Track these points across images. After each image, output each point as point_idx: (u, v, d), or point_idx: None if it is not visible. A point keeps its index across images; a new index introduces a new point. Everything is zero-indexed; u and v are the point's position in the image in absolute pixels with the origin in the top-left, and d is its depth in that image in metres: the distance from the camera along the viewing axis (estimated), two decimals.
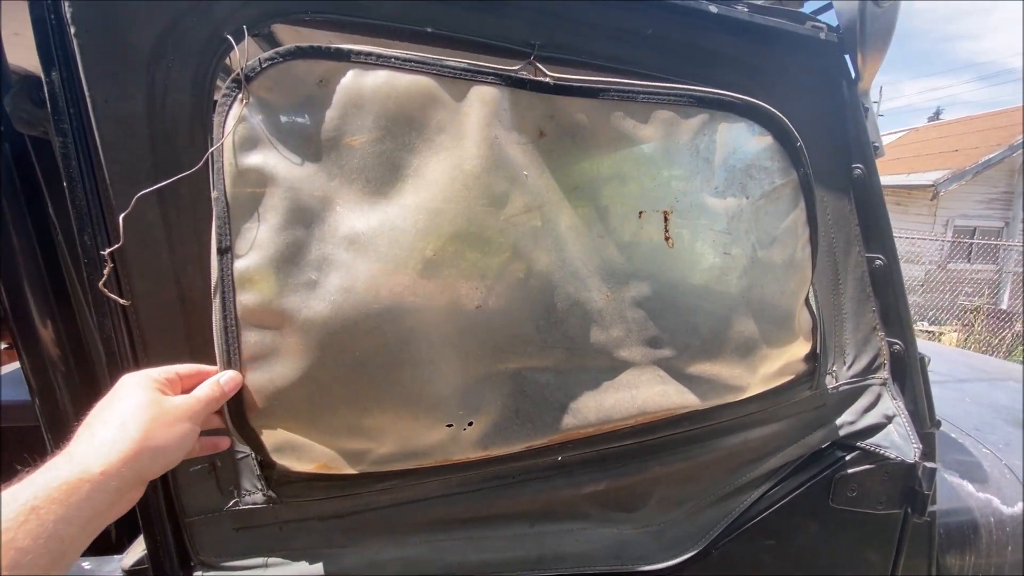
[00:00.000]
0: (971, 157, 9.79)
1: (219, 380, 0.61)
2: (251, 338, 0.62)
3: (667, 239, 0.77)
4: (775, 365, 0.85)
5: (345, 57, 0.64)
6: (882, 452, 0.94)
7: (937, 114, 41.62)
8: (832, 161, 0.89)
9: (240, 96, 0.61)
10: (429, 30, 0.70)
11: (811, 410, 0.93)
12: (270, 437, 0.66)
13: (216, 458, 0.71)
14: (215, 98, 0.64)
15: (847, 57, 0.85)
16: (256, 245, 0.61)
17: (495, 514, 0.83)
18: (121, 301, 0.62)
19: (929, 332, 8.29)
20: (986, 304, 8.37)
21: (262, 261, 0.61)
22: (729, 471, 0.92)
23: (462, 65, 0.69)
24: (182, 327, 0.67)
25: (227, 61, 0.66)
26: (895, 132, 15.06)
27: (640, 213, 0.77)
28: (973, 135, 11.09)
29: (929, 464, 0.96)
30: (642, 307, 0.80)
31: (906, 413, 0.95)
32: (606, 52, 0.77)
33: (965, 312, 8.28)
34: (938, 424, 1.00)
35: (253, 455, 0.71)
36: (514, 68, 0.72)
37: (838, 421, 0.95)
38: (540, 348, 0.76)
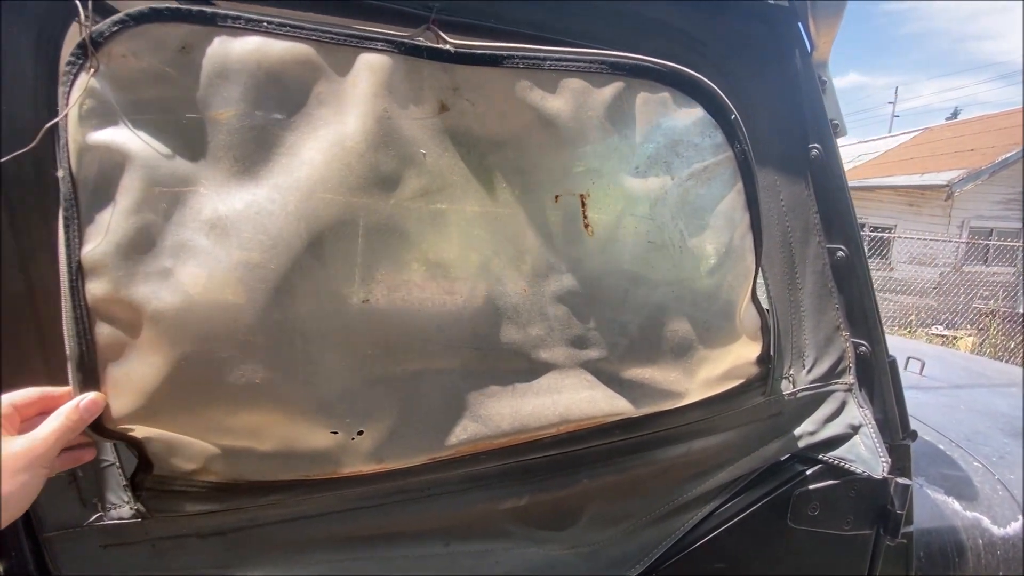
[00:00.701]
0: (987, 156, 9.52)
1: (78, 404, 0.53)
2: (104, 331, 0.55)
3: (586, 226, 0.69)
4: (718, 368, 0.76)
5: (210, 20, 0.57)
6: (847, 466, 0.84)
7: (955, 114, 40.78)
8: (786, 141, 0.79)
9: (88, 64, 0.54)
10: None
11: (765, 418, 0.84)
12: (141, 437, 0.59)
13: (77, 467, 0.64)
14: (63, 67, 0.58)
15: (800, 25, 0.76)
16: (106, 229, 0.54)
17: (402, 532, 0.75)
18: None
19: (943, 336, 8.05)
20: (1002, 307, 8.10)
21: (112, 247, 0.54)
22: (672, 486, 0.82)
23: (347, 30, 0.61)
24: (32, 321, 0.60)
25: (76, 25, 0.59)
26: (909, 132, 14.74)
27: (556, 197, 0.68)
28: (990, 134, 10.80)
29: (902, 480, 0.86)
30: (564, 303, 0.72)
31: (874, 423, 0.85)
32: (521, 16, 0.69)
33: (981, 316, 8.02)
34: (913, 435, 0.90)
35: (117, 464, 0.64)
36: (409, 34, 0.64)
37: (796, 431, 0.85)
38: (443, 348, 0.68)
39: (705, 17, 0.73)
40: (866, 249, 0.84)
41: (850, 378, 0.87)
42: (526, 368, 0.72)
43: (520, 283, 0.70)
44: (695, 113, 0.66)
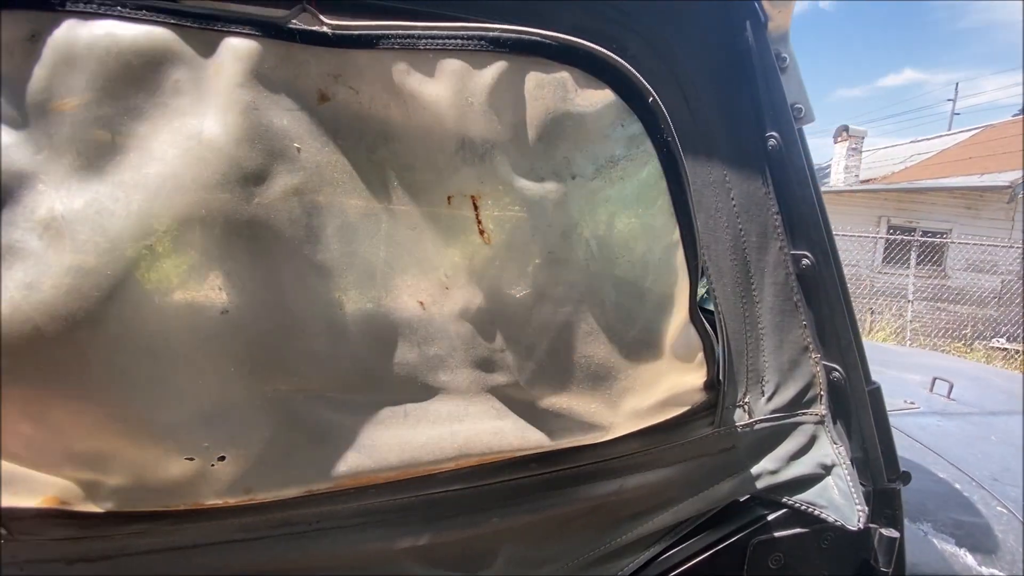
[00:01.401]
0: None
1: None
2: None
3: (481, 232, 0.60)
4: (649, 399, 0.65)
5: (59, 5, 0.51)
6: (816, 513, 0.71)
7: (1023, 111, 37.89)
8: (737, 129, 0.68)
9: None
10: None
11: (715, 453, 0.72)
12: None
13: None
14: None
15: None
16: None
17: (288, 570, 0.68)
18: None
19: (1004, 350, 7.40)
20: None
21: None
22: (603, 528, 0.72)
23: (208, 11, 0.55)
24: None
25: None
26: (968, 130, 13.75)
27: (448, 198, 0.60)
28: None
29: (887, 532, 0.72)
30: (468, 320, 0.63)
31: (849, 463, 0.72)
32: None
33: None
34: (905, 478, 0.76)
35: None
36: (283, 16, 0.57)
37: (754, 469, 0.73)
38: (321, 368, 0.60)
39: None
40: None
41: (821, 408, 0.74)
42: (422, 393, 0.63)
43: (416, 296, 0.62)
44: (602, 97, 0.56)
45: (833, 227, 0.70)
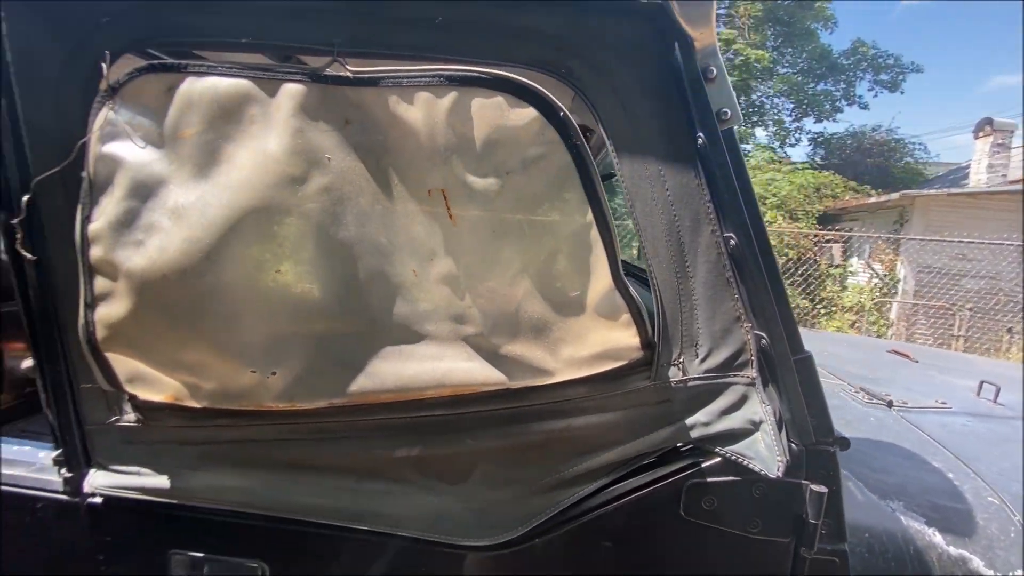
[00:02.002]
0: None
1: None
2: (98, 282, 0.81)
3: (451, 216, 0.80)
4: (583, 349, 0.81)
5: (184, 69, 0.81)
6: (744, 462, 0.82)
7: None
8: (669, 132, 0.82)
9: (108, 103, 0.81)
10: (244, 40, 0.84)
11: (652, 404, 0.85)
12: (121, 366, 0.85)
13: (104, 382, 0.92)
14: None
15: (677, 19, 0.79)
16: (103, 212, 0.80)
17: (321, 465, 0.92)
18: (29, 256, 0.86)
19: None
20: None
21: (106, 224, 0.80)
22: (556, 459, 0.88)
23: (272, 67, 0.82)
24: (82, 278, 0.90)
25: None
26: None
27: (429, 192, 0.81)
28: None
29: (816, 487, 0.81)
30: (447, 284, 0.84)
31: (774, 420, 0.81)
32: (405, 42, 0.83)
33: None
34: (842, 442, 0.83)
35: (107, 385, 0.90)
36: (320, 64, 0.83)
37: (689, 421, 0.85)
38: (341, 315, 0.84)
39: (575, 21, 0.79)
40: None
41: (752, 372, 0.84)
42: (412, 337, 0.85)
43: (410, 265, 0.84)
44: (527, 114, 0.74)
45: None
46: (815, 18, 20.16)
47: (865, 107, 21.64)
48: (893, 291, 9.67)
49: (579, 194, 0.76)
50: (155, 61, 0.82)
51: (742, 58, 18.10)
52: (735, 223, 0.80)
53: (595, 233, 0.77)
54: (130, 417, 0.92)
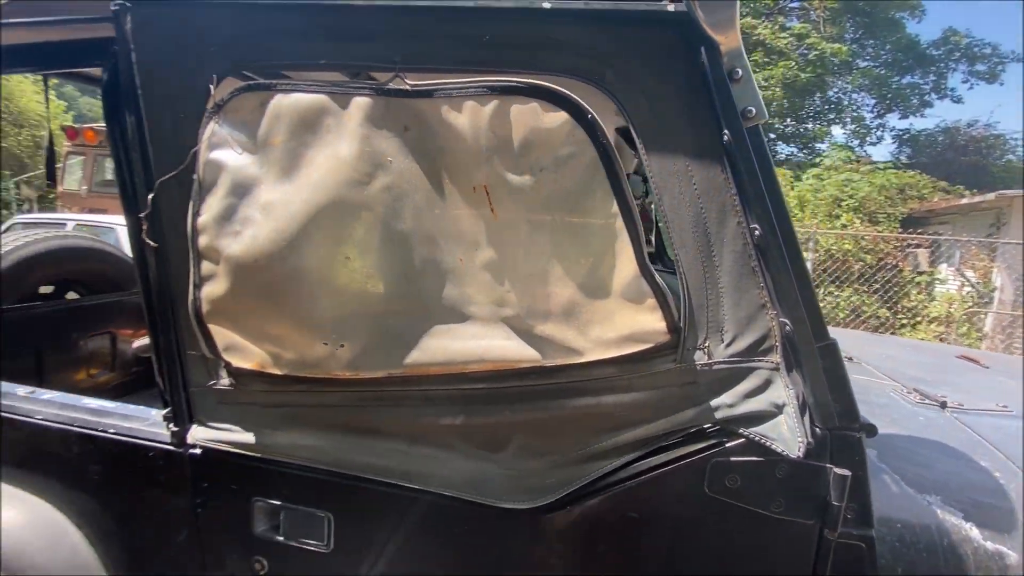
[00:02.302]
0: None
1: None
2: (204, 266, 0.98)
3: (492, 211, 0.90)
4: (611, 331, 0.88)
5: (273, 88, 0.97)
6: (766, 443, 0.86)
7: None
8: (697, 130, 0.88)
9: (214, 117, 0.98)
10: (322, 62, 0.99)
11: (679, 385, 0.91)
12: (220, 337, 1.02)
13: (201, 348, 1.09)
14: None
15: (703, 25, 0.85)
16: (209, 208, 0.97)
17: (379, 429, 1.05)
18: (152, 244, 1.05)
19: None
20: None
21: (210, 218, 0.97)
22: (587, 433, 0.96)
23: (346, 83, 0.96)
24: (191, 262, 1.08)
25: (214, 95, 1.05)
26: None
27: (474, 188, 0.92)
28: None
29: (839, 470, 0.84)
30: (488, 271, 0.94)
31: (796, 404, 0.85)
32: (457, 58, 0.94)
33: None
34: (869, 429, 0.86)
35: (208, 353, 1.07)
36: (384, 79, 0.96)
37: (714, 402, 0.90)
38: (398, 296, 0.97)
39: (607, 32, 0.87)
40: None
41: (776, 357, 0.88)
42: (459, 317, 0.96)
43: (457, 254, 0.95)
44: (559, 117, 0.83)
45: None
46: (899, 7, 18.72)
47: (959, 101, 19.81)
48: (987, 300, 8.80)
49: (606, 188, 0.84)
50: (251, 82, 0.99)
51: (816, 52, 17.13)
52: (760, 214, 0.84)
53: (620, 224, 0.84)
54: (225, 382, 1.09)
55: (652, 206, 2.04)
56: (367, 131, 0.94)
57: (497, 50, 0.92)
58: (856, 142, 19.63)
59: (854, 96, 20.36)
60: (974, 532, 0.90)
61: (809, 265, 8.47)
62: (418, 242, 0.95)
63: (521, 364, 0.93)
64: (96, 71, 1.37)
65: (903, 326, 8.87)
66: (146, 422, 1.24)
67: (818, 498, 0.86)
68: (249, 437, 1.09)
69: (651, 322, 0.88)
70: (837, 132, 20.25)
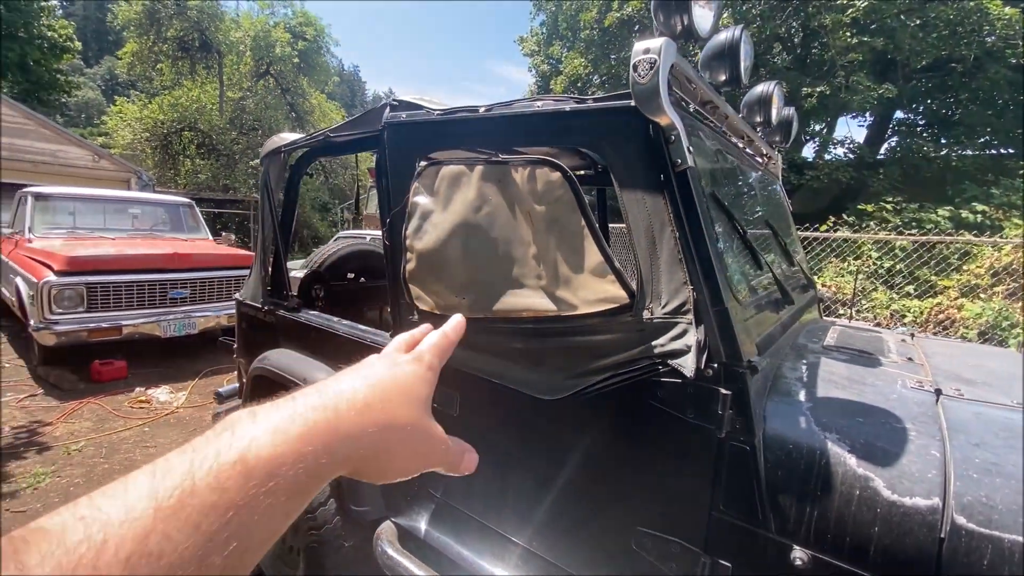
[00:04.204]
0: None
1: (445, 330, 0.59)
2: (407, 255, 1.95)
3: (531, 225, 1.61)
4: (591, 295, 1.50)
5: (440, 162, 1.89)
6: (679, 368, 1.36)
7: None
8: (648, 174, 1.43)
9: (416, 179, 1.96)
10: (461, 148, 1.85)
11: (634, 332, 1.46)
12: (413, 292, 1.98)
13: (407, 298, 2.07)
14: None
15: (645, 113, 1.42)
16: (410, 225, 1.94)
17: (482, 347, 1.85)
18: (388, 243, 2.07)
19: None
20: None
21: (411, 231, 1.94)
22: (585, 359, 1.58)
23: (472, 157, 1.82)
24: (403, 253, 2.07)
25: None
26: None
27: (525, 212, 1.64)
28: None
29: (723, 390, 1.30)
30: (531, 258, 1.66)
31: (695, 344, 1.32)
32: (521, 142, 1.69)
33: None
34: (751, 367, 1.28)
35: (409, 300, 2.03)
36: (486, 156, 1.78)
37: (654, 343, 1.42)
38: (489, 272, 1.76)
39: (599, 118, 1.51)
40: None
41: (690, 316, 1.36)
42: (517, 285, 1.70)
43: (518, 249, 1.70)
44: (556, 174, 1.50)
45: None
46: None
47: None
48: None
49: (577, 211, 1.47)
50: (431, 161, 1.92)
51: None
52: (681, 226, 1.36)
53: (588, 234, 1.46)
54: (414, 318, 2.05)
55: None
56: (479, 183, 1.77)
57: (538, 136, 1.64)
58: None
59: None
60: (851, 460, 1.21)
61: None
62: (500, 242, 1.73)
63: (547, 313, 1.62)
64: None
65: None
66: (381, 345, 2.31)
67: (713, 410, 1.32)
68: None
69: (614, 290, 1.47)
70: None
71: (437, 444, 0.48)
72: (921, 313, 8.09)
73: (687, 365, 1.35)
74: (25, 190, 7.73)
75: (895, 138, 18.02)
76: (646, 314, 1.45)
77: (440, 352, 0.56)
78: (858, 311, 8.85)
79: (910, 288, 8.36)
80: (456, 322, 0.61)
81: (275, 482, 0.33)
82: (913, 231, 8.36)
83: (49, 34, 23.00)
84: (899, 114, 17.66)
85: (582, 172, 3.30)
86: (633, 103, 1.42)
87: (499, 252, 1.73)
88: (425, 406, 0.49)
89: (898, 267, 8.42)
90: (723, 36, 1.73)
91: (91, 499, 0.29)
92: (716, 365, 1.32)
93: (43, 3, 22.82)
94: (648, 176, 1.44)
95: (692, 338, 1.37)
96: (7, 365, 6.71)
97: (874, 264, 8.90)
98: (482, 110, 1.82)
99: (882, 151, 17.75)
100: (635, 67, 1.37)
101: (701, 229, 1.34)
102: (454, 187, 1.82)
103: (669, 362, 1.40)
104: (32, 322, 5.80)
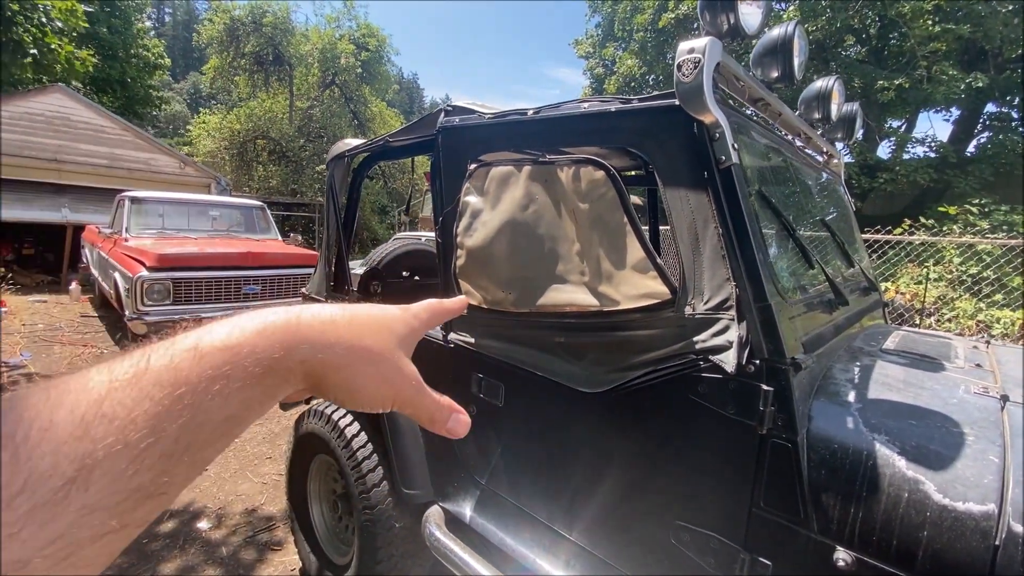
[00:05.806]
0: None
1: (444, 300, 0.59)
2: (457, 251, 2.06)
3: (576, 223, 1.66)
4: (633, 291, 1.53)
5: (488, 163, 1.99)
6: (721, 364, 1.37)
7: None
8: (692, 174, 1.45)
9: (467, 180, 2.06)
10: (510, 149, 1.93)
11: (675, 327, 1.48)
12: (462, 286, 2.08)
13: (457, 293, 2.17)
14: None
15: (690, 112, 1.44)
16: (461, 223, 2.04)
17: (525, 340, 1.92)
18: (440, 241, 2.18)
19: None
20: None
21: (462, 228, 2.04)
22: (626, 353, 1.61)
23: (521, 158, 1.90)
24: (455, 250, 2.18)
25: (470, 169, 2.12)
26: None
27: (569, 211, 1.70)
28: None
29: (764, 387, 1.30)
30: (575, 254, 1.72)
31: (737, 340, 1.33)
32: (567, 143, 1.75)
33: None
34: (795, 365, 1.27)
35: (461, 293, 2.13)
36: (532, 156, 1.85)
37: (695, 338, 1.44)
38: (534, 268, 1.83)
39: (643, 119, 1.54)
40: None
41: (732, 312, 1.36)
42: (561, 280, 1.75)
43: (563, 245, 1.76)
44: (600, 173, 1.54)
45: None
46: None
47: None
48: None
49: (620, 208, 1.51)
50: (481, 162, 2.02)
51: None
52: (723, 222, 1.38)
53: (630, 230, 1.50)
54: (463, 313, 2.15)
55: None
56: (527, 183, 1.84)
57: (585, 136, 1.69)
58: None
59: None
60: (900, 462, 1.18)
61: None
62: (546, 239, 1.79)
63: (589, 308, 1.67)
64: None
65: None
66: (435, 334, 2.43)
67: (755, 406, 1.32)
68: (472, 339, 2.13)
69: (656, 286, 1.50)
70: None
71: (408, 379, 0.47)
72: (1013, 324, 7.37)
73: (728, 361, 1.35)
74: (123, 194, 8.61)
75: (986, 134, 16.47)
76: (688, 310, 1.47)
77: (430, 310, 0.55)
78: (938, 320, 8.18)
79: (999, 296, 7.63)
80: (459, 298, 0.62)
81: (229, 368, 0.35)
82: (1001, 235, 7.63)
83: (144, 54, 25.40)
84: (990, 107, 16.15)
85: (632, 173, 3.31)
86: (677, 102, 1.44)
87: (544, 249, 1.79)
88: (399, 341, 0.47)
89: (985, 273, 7.72)
90: (776, 32, 1.71)
91: (54, 380, 0.32)
92: (758, 361, 1.32)
93: (139, 26, 25.30)
94: (692, 173, 1.46)
95: (734, 334, 1.37)
96: (105, 352, 7.48)
97: (957, 270, 8.20)
98: (531, 113, 1.89)
99: (970, 148, 16.29)
100: (679, 67, 1.40)
101: (745, 225, 1.35)
102: (503, 187, 1.91)
103: (710, 358, 1.41)
104: (127, 312, 6.45)
